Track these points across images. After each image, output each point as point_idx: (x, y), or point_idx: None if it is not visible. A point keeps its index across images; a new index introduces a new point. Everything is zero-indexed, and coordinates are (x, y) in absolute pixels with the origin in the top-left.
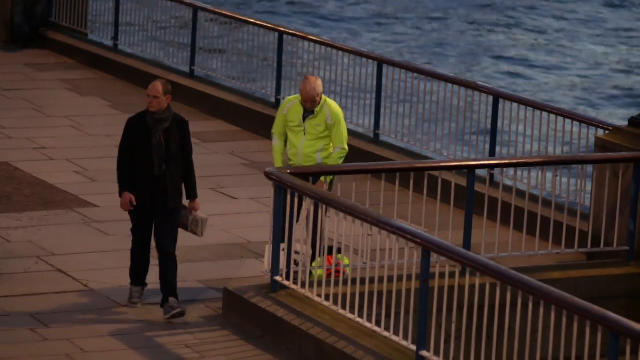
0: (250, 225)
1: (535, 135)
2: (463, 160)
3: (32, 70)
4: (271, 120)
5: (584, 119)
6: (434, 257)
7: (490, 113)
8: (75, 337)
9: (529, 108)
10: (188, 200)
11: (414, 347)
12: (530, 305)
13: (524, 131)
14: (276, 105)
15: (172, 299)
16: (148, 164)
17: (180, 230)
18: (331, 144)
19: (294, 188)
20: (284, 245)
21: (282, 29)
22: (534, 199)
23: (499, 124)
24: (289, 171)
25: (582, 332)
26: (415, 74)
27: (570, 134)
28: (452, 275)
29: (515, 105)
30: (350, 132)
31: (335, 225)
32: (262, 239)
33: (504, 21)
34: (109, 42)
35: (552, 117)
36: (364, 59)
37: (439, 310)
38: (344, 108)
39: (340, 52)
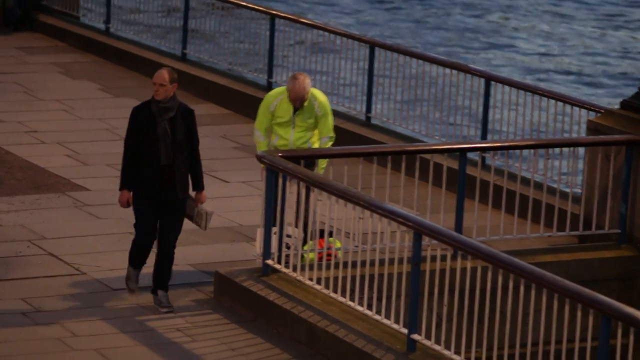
0: (241, 209)
1: (527, 118)
2: (454, 143)
3: (23, 53)
4: None
5: (576, 102)
6: (425, 240)
7: (482, 96)
8: (67, 321)
9: (520, 91)
10: (194, 192)
11: (405, 331)
12: (522, 288)
13: (516, 114)
14: (268, 88)
15: (161, 292)
16: (154, 154)
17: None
18: (316, 132)
19: (286, 171)
20: (275, 229)
21: (274, 12)
22: (525, 181)
23: (491, 107)
24: (280, 154)
25: (574, 315)
26: (407, 57)
27: (562, 116)
28: (443, 258)
29: (507, 87)
30: (342, 116)
31: (327, 209)
32: (254, 223)
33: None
34: (100, 26)
35: (544, 99)
36: (356, 42)
37: (431, 293)
38: (335, 92)
39: (332, 35)
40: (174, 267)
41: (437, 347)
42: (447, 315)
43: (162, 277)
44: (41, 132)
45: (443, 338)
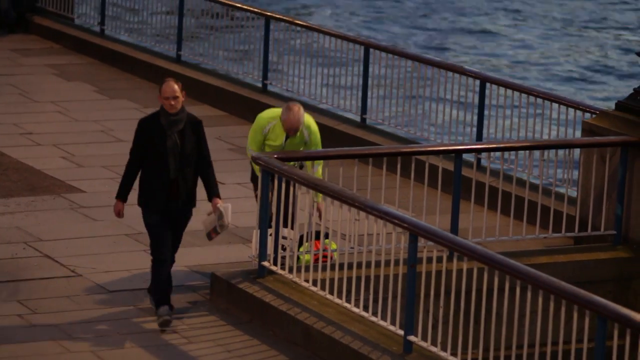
0: (237, 210)
1: (523, 120)
2: (450, 145)
3: (18, 55)
4: (257, 105)
5: (571, 103)
6: (421, 241)
7: (477, 97)
8: (63, 323)
9: (515, 92)
10: (210, 203)
11: (401, 332)
12: (518, 289)
13: (511, 115)
14: (263, 90)
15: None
16: (163, 167)
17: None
18: None
19: (282, 173)
20: (271, 231)
21: (269, 14)
22: (521, 183)
23: (486, 108)
24: (276, 156)
25: (570, 317)
26: (402, 58)
27: (558, 118)
28: (439, 260)
29: (502, 89)
30: (337, 117)
31: (323, 211)
32: (250, 224)
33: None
34: (95, 28)
35: (540, 101)
36: (351, 43)
37: (427, 295)
38: (330, 93)
39: (327, 37)
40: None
41: (433, 349)
42: (443, 317)
43: (164, 284)
44: (36, 134)
45: (439, 339)
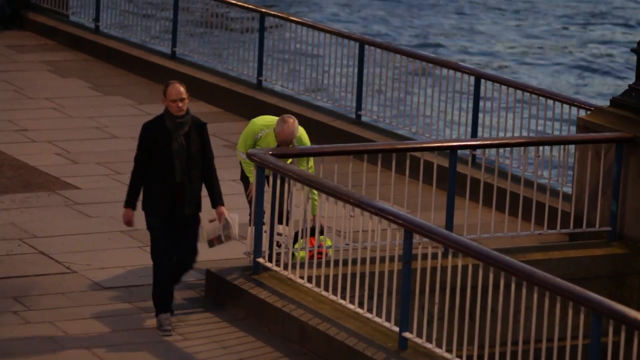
0: (232, 207)
1: (517, 116)
2: (445, 141)
3: (13, 51)
4: (252, 101)
5: (565, 100)
6: (416, 238)
7: (472, 93)
8: (58, 320)
9: (510, 88)
10: (214, 210)
11: (396, 329)
12: (513, 286)
13: (506, 112)
14: (258, 86)
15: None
16: (169, 171)
17: None
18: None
19: (277, 169)
20: (266, 228)
21: (264, 10)
22: (516, 179)
23: (481, 105)
24: (270, 152)
25: (565, 313)
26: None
27: (552, 114)
28: (434, 256)
29: (497, 85)
30: (332, 114)
31: (318, 208)
32: (245, 221)
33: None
34: (90, 24)
35: (534, 97)
36: (346, 40)
37: (422, 291)
38: (325, 90)
39: (322, 33)
40: None
41: (428, 345)
42: (438, 313)
43: (171, 293)
44: (31, 131)
45: (434, 336)
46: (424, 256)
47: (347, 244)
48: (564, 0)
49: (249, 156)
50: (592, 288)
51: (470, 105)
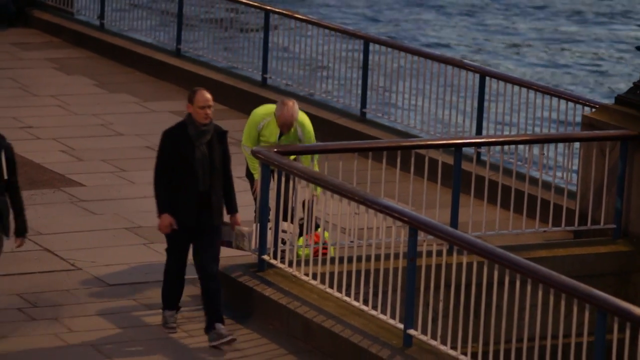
0: (238, 204)
1: (522, 114)
2: (450, 139)
3: (18, 49)
4: (257, 99)
5: (570, 97)
6: (421, 235)
7: (477, 91)
8: (63, 317)
9: (515, 86)
10: (229, 215)
11: (401, 326)
12: (518, 283)
13: (511, 109)
14: (263, 83)
15: (218, 325)
16: (192, 180)
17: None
18: None
19: (281, 167)
20: (270, 225)
21: (269, 8)
22: (521, 177)
23: (486, 102)
24: (275, 150)
25: (570, 311)
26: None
27: (557, 112)
28: (439, 253)
29: (502, 83)
30: (337, 111)
31: (323, 204)
32: (249, 218)
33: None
34: (95, 21)
35: (539, 95)
36: (351, 37)
37: (427, 288)
38: (330, 87)
39: (327, 30)
40: None
41: (433, 342)
42: (443, 311)
43: (215, 311)
44: (36, 128)
45: (439, 333)
46: (429, 253)
47: (352, 241)
48: None
49: (254, 154)
50: (596, 285)
51: (475, 102)
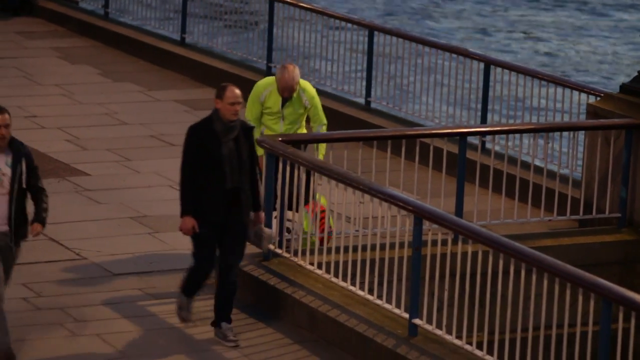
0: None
1: (527, 102)
2: (455, 128)
3: (22, 38)
4: None
5: (575, 86)
6: (426, 224)
7: (481, 80)
8: (68, 306)
9: (520, 75)
10: (252, 212)
11: (406, 315)
12: (523, 272)
13: (515, 98)
14: (267, 72)
15: (225, 325)
16: (219, 177)
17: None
18: (304, 123)
19: (286, 156)
20: (276, 214)
21: None
22: (525, 166)
23: (490, 91)
24: (280, 139)
25: (575, 300)
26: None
27: (562, 100)
28: (444, 242)
29: (506, 71)
30: (342, 100)
31: (328, 193)
32: None
33: None
34: (99, 10)
35: (544, 83)
36: (355, 26)
37: (432, 278)
38: (335, 76)
39: (332, 19)
40: (176, 252)
41: (438, 332)
42: (448, 300)
43: (226, 308)
44: (41, 117)
45: (444, 322)
46: (434, 242)
47: (357, 230)
48: None
49: (259, 143)
50: (601, 274)
51: (480, 91)
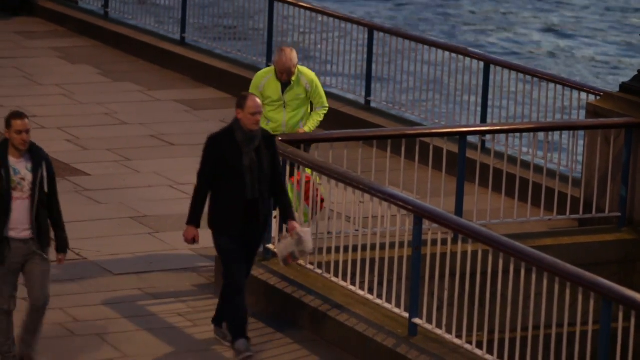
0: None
1: (527, 102)
2: (454, 127)
3: (22, 38)
4: None
5: (575, 85)
6: (426, 224)
7: (481, 79)
8: (68, 306)
9: (520, 74)
10: (285, 225)
11: (406, 315)
12: (522, 272)
13: (515, 97)
14: None
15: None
16: (239, 188)
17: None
18: (308, 110)
19: (285, 155)
20: (276, 213)
21: None
22: (525, 165)
23: (490, 90)
24: (279, 138)
25: (574, 299)
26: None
27: (562, 100)
28: (444, 242)
29: (506, 71)
30: (341, 99)
31: (328, 193)
32: None
33: None
34: (99, 10)
35: (543, 83)
36: (355, 25)
37: (432, 277)
38: (335, 76)
39: (331, 19)
40: (176, 252)
41: (438, 331)
42: (448, 299)
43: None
44: (40, 117)
45: (444, 322)
46: (434, 242)
47: (357, 230)
48: None
49: None
50: (601, 274)
51: (480, 90)
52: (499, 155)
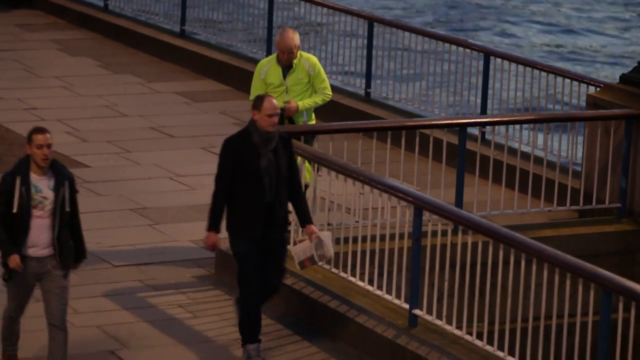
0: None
1: (527, 93)
2: (454, 118)
3: (22, 30)
4: None
5: (575, 77)
6: (426, 215)
7: (481, 70)
8: (68, 298)
9: (520, 65)
10: (302, 229)
11: (406, 306)
12: (523, 263)
13: (515, 89)
14: None
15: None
16: (257, 191)
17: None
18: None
19: None
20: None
21: None
22: (525, 156)
23: (490, 82)
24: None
25: (575, 290)
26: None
27: (562, 91)
28: (444, 233)
29: (506, 62)
30: (342, 91)
31: (328, 184)
32: None
33: None
34: (99, 2)
35: (544, 74)
36: (355, 17)
37: (432, 268)
38: (335, 67)
39: (331, 10)
40: (176, 244)
41: (438, 322)
42: (448, 290)
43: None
44: (40, 109)
45: (444, 313)
46: (434, 233)
47: (357, 221)
48: None
49: None
50: (602, 265)
51: (480, 82)
52: (499, 147)
